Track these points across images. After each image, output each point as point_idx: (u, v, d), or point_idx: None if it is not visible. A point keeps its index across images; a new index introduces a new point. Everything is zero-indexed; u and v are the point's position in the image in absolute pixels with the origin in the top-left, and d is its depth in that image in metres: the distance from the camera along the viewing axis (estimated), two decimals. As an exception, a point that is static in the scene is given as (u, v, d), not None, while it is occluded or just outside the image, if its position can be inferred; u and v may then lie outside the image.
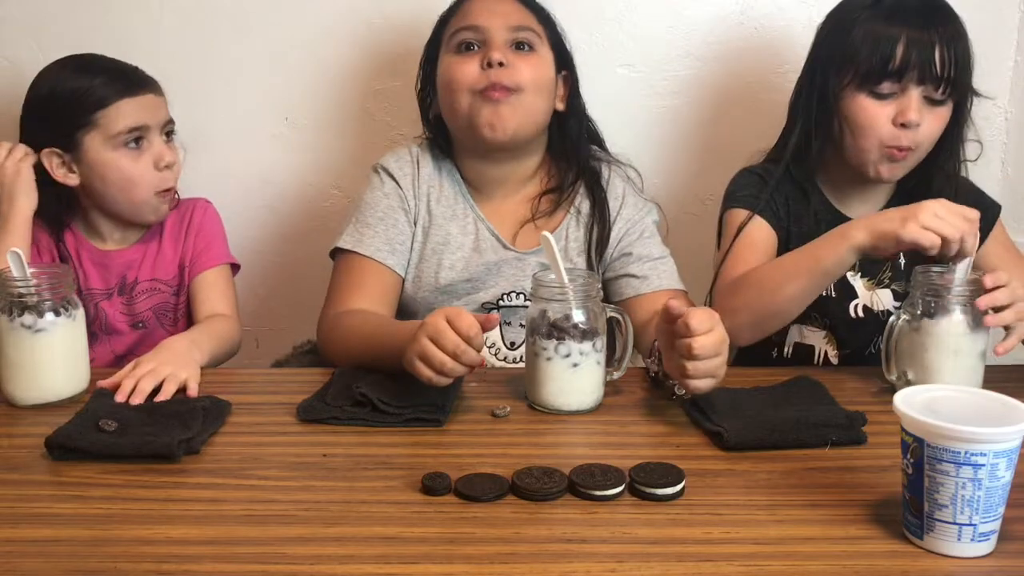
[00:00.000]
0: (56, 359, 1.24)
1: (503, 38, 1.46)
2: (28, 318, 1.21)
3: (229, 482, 1.02)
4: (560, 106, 1.54)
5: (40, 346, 1.22)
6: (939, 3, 1.42)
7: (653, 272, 1.49)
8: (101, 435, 1.09)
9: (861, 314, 1.50)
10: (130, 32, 1.79)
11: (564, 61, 1.54)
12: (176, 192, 1.59)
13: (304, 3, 1.81)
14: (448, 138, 1.55)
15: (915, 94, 1.38)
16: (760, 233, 1.47)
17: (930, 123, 1.40)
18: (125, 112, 1.49)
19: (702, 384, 1.15)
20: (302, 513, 0.95)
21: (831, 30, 1.46)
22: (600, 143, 1.61)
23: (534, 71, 1.47)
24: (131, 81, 1.52)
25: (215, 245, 1.62)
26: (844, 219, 1.48)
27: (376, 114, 1.87)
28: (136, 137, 1.50)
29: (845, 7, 1.46)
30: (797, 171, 1.50)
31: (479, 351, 1.16)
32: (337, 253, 1.50)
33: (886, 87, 1.38)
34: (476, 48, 1.46)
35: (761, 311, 1.35)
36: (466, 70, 1.45)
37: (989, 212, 1.49)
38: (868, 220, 1.27)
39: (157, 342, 1.37)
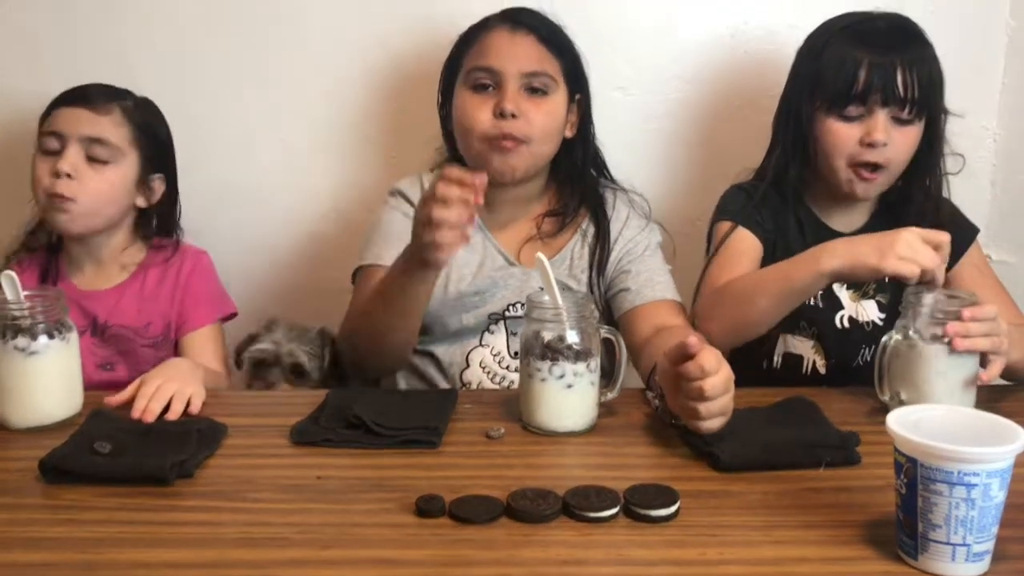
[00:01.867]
0: (50, 382, 1.23)
1: (517, 84, 1.48)
2: (22, 341, 1.21)
3: (223, 505, 1.02)
4: (569, 133, 1.56)
5: (34, 369, 1.22)
6: (904, 27, 1.46)
7: (648, 284, 1.51)
8: (95, 458, 1.08)
9: (847, 325, 1.52)
10: (128, 56, 1.79)
11: (579, 87, 1.56)
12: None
13: (302, 29, 1.82)
14: None
15: (881, 115, 1.42)
16: (746, 243, 1.50)
17: (900, 142, 1.44)
18: (52, 118, 1.52)
19: (714, 424, 1.12)
20: (296, 536, 0.95)
21: (804, 55, 1.52)
22: (603, 171, 1.63)
23: (545, 120, 1.49)
24: (76, 94, 1.54)
25: (203, 303, 1.60)
26: (829, 231, 1.52)
27: (373, 137, 1.87)
28: (51, 145, 1.51)
29: (818, 33, 1.51)
30: (782, 187, 1.53)
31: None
32: (357, 271, 1.53)
33: (852, 110, 1.43)
34: (490, 89, 1.48)
35: (735, 321, 1.38)
36: (479, 116, 1.48)
37: (966, 234, 1.52)
38: (845, 248, 1.28)
39: (121, 388, 1.30)
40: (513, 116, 1.46)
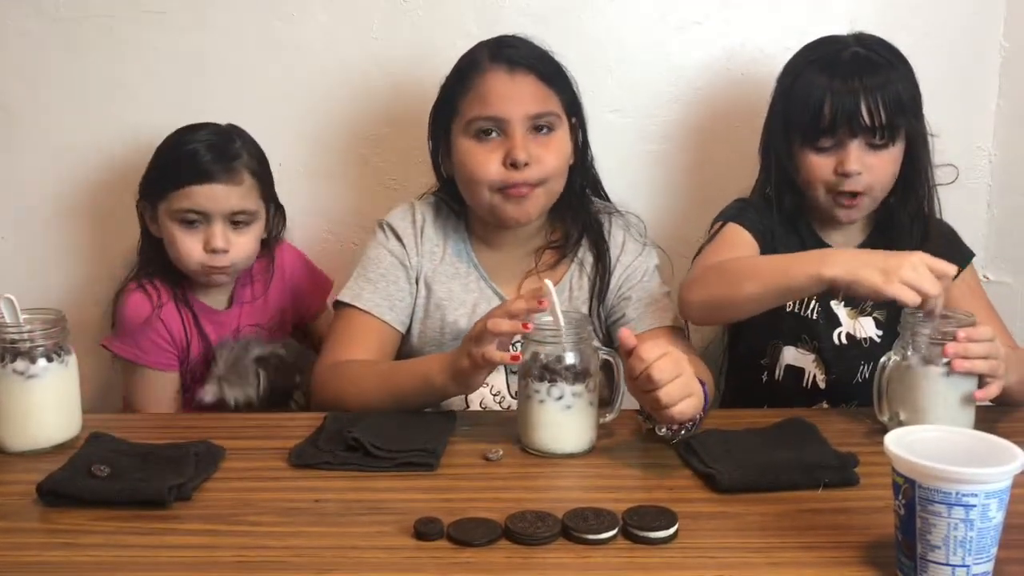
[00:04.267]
0: (48, 405, 1.23)
1: (524, 128, 1.43)
2: (20, 364, 1.21)
3: (221, 528, 1.02)
4: (570, 160, 1.53)
5: (32, 392, 1.22)
6: (869, 52, 1.45)
7: (648, 312, 1.50)
8: (92, 481, 1.08)
9: (844, 341, 1.52)
10: (126, 80, 1.81)
11: (575, 111, 1.53)
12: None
13: (301, 54, 1.83)
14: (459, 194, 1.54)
15: (853, 145, 1.43)
16: (743, 236, 1.50)
17: (877, 166, 1.44)
18: (189, 196, 1.58)
19: (683, 407, 1.14)
20: (294, 559, 0.95)
21: (780, 86, 1.53)
22: (599, 193, 1.62)
23: (557, 159, 1.46)
24: (204, 170, 1.59)
25: (315, 288, 1.78)
26: (827, 246, 1.53)
27: (370, 160, 1.88)
28: (194, 219, 1.59)
29: (790, 63, 1.53)
30: (781, 209, 1.53)
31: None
32: (336, 306, 1.52)
33: (824, 142, 1.44)
34: (494, 135, 1.44)
35: (719, 297, 1.37)
36: (488, 167, 1.43)
37: (960, 259, 1.49)
38: (849, 259, 1.27)
39: None
40: (526, 164, 1.42)
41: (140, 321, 1.61)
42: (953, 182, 1.57)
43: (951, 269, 1.23)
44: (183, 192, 1.58)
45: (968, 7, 1.85)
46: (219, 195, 1.58)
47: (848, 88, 1.41)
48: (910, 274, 1.20)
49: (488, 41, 1.51)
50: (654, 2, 1.84)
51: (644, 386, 1.14)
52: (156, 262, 1.66)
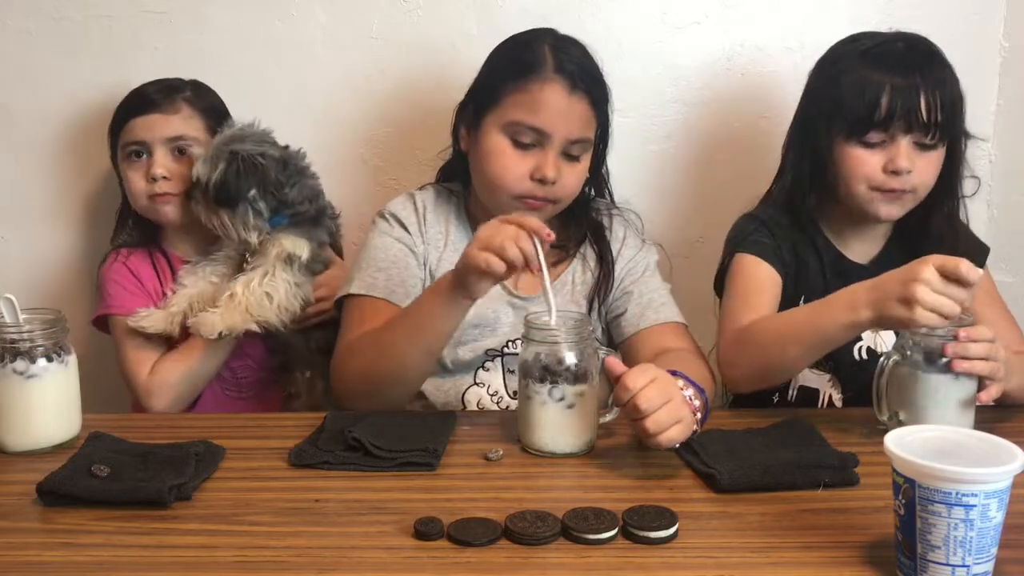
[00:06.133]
0: (48, 405, 1.23)
1: (560, 148, 1.43)
2: (20, 364, 1.21)
3: (221, 528, 1.02)
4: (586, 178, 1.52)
5: (32, 392, 1.21)
6: (924, 48, 1.42)
7: (650, 307, 1.50)
8: (92, 481, 1.08)
9: (865, 356, 1.48)
10: (127, 80, 1.80)
11: (603, 135, 1.52)
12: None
13: (301, 54, 1.84)
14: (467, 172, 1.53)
15: (904, 142, 1.39)
16: (764, 277, 1.46)
17: (924, 167, 1.41)
18: (130, 130, 1.64)
19: (671, 434, 1.13)
20: (294, 559, 0.95)
21: (819, 79, 1.47)
22: (603, 193, 1.61)
23: (577, 183, 1.47)
24: (142, 102, 1.65)
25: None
26: (847, 261, 1.50)
27: (369, 159, 1.88)
28: (137, 153, 1.64)
29: (833, 56, 1.47)
30: (796, 214, 1.50)
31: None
32: (347, 299, 1.47)
33: (874, 136, 1.39)
34: (530, 147, 1.43)
35: (764, 367, 1.35)
36: (517, 174, 1.42)
37: (978, 258, 1.47)
38: (872, 297, 1.22)
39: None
40: (553, 183, 1.43)
41: (110, 277, 1.65)
42: (974, 194, 1.53)
43: (972, 274, 1.15)
44: (127, 127, 1.65)
45: (968, 7, 1.85)
46: (155, 123, 1.64)
47: (908, 82, 1.36)
48: (930, 298, 1.15)
49: (548, 35, 1.48)
50: (654, 2, 1.85)
51: (631, 415, 1.13)
52: (128, 219, 1.71)
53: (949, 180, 1.45)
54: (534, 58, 1.44)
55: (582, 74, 1.44)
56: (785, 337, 1.32)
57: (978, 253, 1.51)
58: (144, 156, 1.64)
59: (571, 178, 1.46)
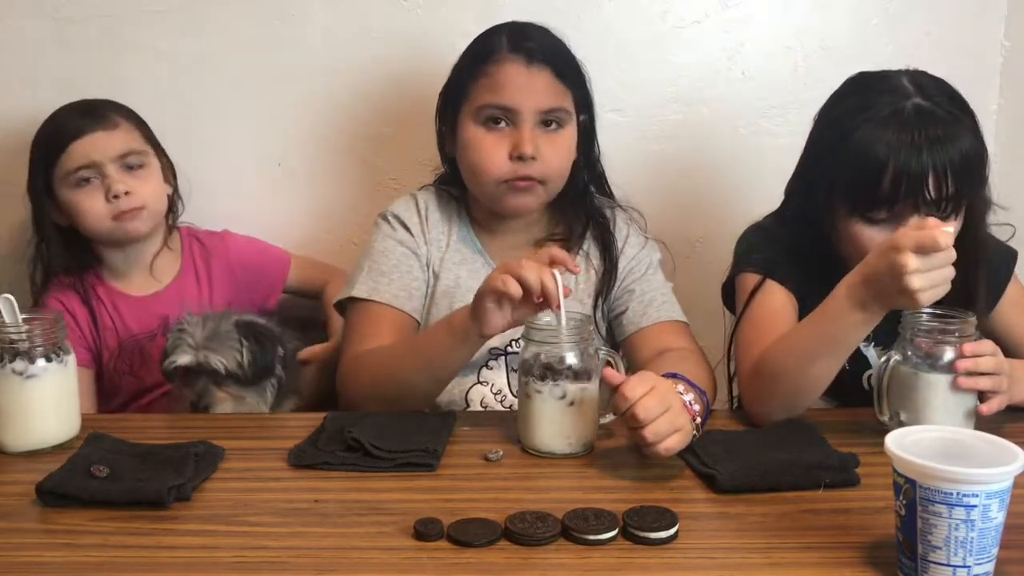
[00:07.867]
0: (47, 406, 1.23)
1: (533, 121, 1.43)
2: (19, 364, 1.20)
3: (220, 528, 1.02)
4: (574, 157, 1.52)
5: (31, 393, 1.21)
6: (936, 109, 1.28)
7: (652, 306, 1.50)
8: (92, 481, 1.08)
9: (874, 384, 1.36)
10: (126, 81, 1.80)
11: (585, 108, 1.52)
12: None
13: (299, 53, 1.83)
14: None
15: (913, 219, 1.26)
16: (778, 300, 1.39)
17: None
18: (73, 153, 1.58)
19: (669, 443, 1.12)
20: (294, 560, 0.95)
21: (824, 137, 1.36)
22: (604, 189, 1.61)
23: (562, 159, 1.47)
24: (79, 123, 1.60)
25: (269, 266, 1.77)
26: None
27: (369, 160, 1.88)
28: (89, 176, 1.59)
29: (838, 106, 1.36)
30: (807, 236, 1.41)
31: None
32: (350, 302, 1.47)
33: (879, 214, 1.29)
34: (503, 124, 1.44)
35: (791, 395, 1.28)
36: (495, 158, 1.43)
37: (1008, 263, 1.44)
38: (875, 294, 1.16)
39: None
40: (532, 159, 1.42)
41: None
42: (1010, 239, 1.47)
43: (946, 237, 1.09)
44: (67, 154, 1.58)
45: (968, 7, 1.85)
46: (100, 142, 1.59)
47: (916, 160, 1.24)
48: (925, 282, 1.11)
49: (506, 26, 1.50)
50: (654, 1, 1.85)
51: (630, 424, 1.13)
52: (60, 258, 1.66)
53: (970, 243, 1.29)
54: (491, 45, 1.48)
55: (541, 49, 1.46)
56: (800, 359, 1.25)
57: (1007, 257, 1.47)
58: (95, 179, 1.59)
59: (552, 152, 1.45)
